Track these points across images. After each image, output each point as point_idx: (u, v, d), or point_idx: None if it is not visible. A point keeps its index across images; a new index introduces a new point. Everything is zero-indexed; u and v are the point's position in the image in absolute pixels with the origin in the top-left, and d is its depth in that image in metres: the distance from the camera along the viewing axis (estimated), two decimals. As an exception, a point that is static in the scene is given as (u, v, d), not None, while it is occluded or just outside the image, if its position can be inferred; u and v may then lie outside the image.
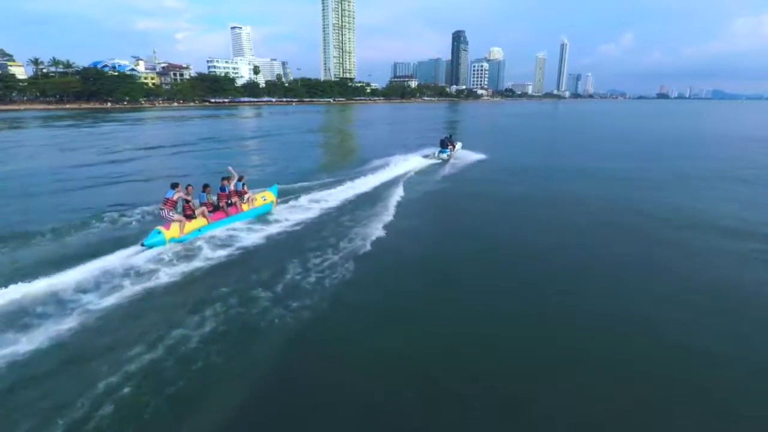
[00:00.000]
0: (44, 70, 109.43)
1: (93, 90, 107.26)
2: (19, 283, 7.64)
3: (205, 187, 11.25)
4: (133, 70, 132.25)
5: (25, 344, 6.12)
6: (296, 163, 23.73)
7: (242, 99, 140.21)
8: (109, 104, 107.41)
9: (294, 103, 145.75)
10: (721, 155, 28.96)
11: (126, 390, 5.29)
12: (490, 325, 7.13)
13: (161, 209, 10.17)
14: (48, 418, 4.89)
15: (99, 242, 10.18)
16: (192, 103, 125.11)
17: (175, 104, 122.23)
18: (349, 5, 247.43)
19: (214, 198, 11.36)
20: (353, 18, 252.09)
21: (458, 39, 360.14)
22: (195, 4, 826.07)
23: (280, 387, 5.65)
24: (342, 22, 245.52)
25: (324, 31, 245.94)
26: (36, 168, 21.62)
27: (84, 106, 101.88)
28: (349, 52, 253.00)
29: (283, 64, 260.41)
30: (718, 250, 10.48)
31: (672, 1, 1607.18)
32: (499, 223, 12.83)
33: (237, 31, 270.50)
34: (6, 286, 7.52)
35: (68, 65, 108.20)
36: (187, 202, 10.47)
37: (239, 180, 12.26)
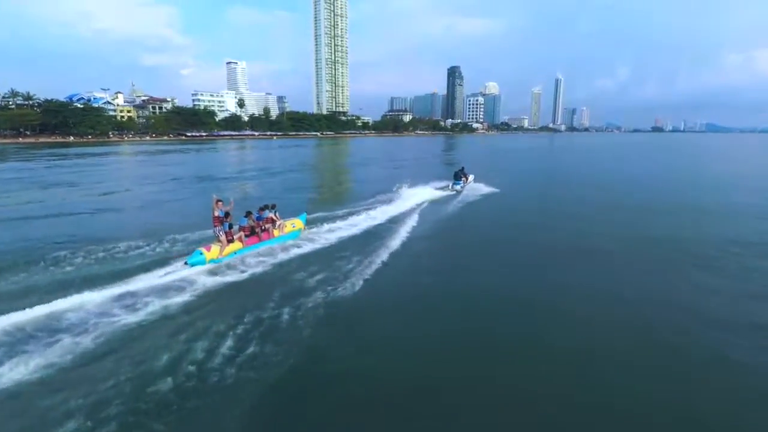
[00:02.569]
0: (9, 103, 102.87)
1: (55, 123, 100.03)
2: (76, 295, 8.80)
3: (248, 213, 12.66)
4: (108, 103, 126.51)
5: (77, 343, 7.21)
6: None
7: (222, 133, 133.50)
8: (71, 138, 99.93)
9: (275, 138, 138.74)
10: None
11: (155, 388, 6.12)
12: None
13: (214, 226, 11.47)
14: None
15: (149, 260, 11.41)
16: (166, 137, 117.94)
17: (147, 138, 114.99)
18: (342, 41, 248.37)
19: (251, 223, 12.64)
20: (346, 53, 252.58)
21: (453, 74, 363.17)
22: (201, 41, 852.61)
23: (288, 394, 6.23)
24: (335, 56, 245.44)
25: (317, 65, 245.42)
26: None
27: (41, 140, 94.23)
28: (342, 86, 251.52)
29: (279, 98, 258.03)
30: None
31: (666, 39, 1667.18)
32: (505, 251, 13.48)
33: (232, 65, 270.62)
34: (50, 301, 8.46)
35: (28, 97, 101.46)
36: (230, 227, 11.78)
37: (272, 208, 13.46)
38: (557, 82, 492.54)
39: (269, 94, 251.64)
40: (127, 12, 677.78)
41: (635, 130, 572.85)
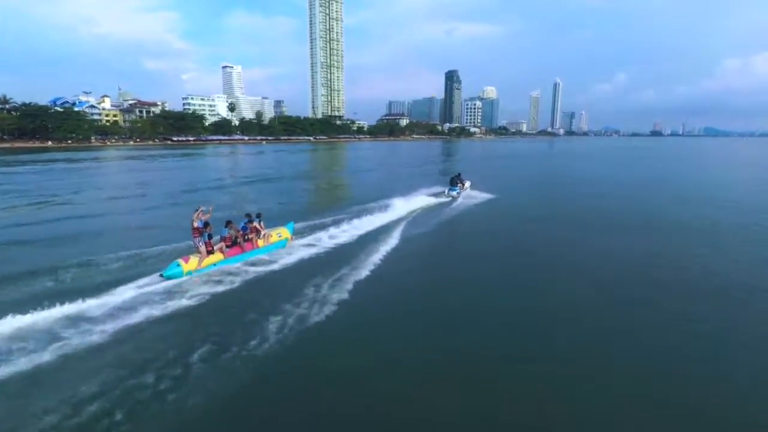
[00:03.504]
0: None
1: (32, 127, 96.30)
2: (51, 308, 8.28)
3: (228, 223, 12.01)
4: (92, 106, 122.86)
5: (47, 355, 6.93)
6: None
7: (210, 137, 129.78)
8: (50, 143, 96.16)
9: (264, 142, 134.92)
10: None
11: (131, 402, 5.92)
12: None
13: (193, 237, 10.96)
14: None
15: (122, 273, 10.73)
16: (151, 142, 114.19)
17: (131, 143, 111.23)
18: (337, 45, 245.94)
19: (233, 233, 11.92)
20: (342, 57, 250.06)
21: (451, 78, 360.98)
22: (201, 46, 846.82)
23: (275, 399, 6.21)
24: (330, 60, 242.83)
25: (312, 69, 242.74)
26: None
27: (17, 145, 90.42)
28: (338, 90, 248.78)
29: (277, 102, 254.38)
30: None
31: (664, 43, 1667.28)
32: (500, 263, 12.78)
33: (228, 70, 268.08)
34: (34, 311, 8.12)
35: (5, 101, 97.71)
36: (210, 237, 11.15)
37: (257, 217, 12.79)
38: (556, 86, 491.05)
39: (265, 98, 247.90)
40: (128, 17, 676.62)
41: (634, 134, 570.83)
